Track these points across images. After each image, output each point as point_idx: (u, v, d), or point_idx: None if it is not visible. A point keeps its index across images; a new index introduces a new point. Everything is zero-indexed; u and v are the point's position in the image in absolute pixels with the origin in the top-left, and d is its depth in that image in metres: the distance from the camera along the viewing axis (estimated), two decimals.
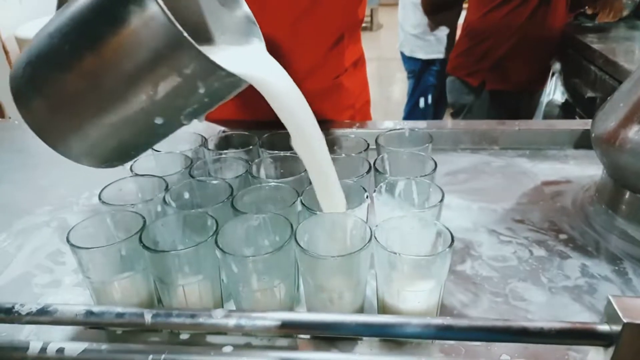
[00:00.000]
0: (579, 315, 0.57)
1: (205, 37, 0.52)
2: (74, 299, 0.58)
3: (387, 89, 4.17)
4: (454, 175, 0.88)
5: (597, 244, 0.69)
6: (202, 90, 0.42)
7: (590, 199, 0.79)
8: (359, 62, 1.11)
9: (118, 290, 0.51)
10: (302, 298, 0.54)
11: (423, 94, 2.42)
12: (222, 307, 0.53)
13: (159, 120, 0.44)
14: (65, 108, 0.44)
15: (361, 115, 1.14)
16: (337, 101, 1.08)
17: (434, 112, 2.51)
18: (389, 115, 3.44)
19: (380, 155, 0.64)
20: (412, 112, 2.51)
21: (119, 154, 0.49)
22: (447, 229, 0.49)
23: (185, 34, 0.38)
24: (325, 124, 1.02)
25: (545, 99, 1.85)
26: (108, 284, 0.50)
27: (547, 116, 1.84)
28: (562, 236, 0.71)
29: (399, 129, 0.71)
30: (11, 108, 1.75)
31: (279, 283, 0.48)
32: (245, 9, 0.51)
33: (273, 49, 0.98)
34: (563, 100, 1.80)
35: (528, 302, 0.60)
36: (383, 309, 0.50)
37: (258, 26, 0.52)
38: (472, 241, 0.71)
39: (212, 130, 0.97)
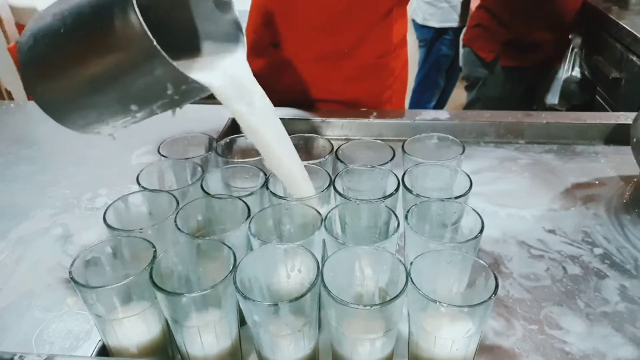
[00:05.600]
0: (622, 350, 0.53)
1: (193, 35, 0.55)
2: (78, 327, 0.54)
3: None
4: (479, 173, 0.83)
5: (635, 261, 0.65)
6: (170, 91, 0.46)
7: (626, 206, 0.74)
8: (403, 41, 1.08)
9: (127, 327, 0.46)
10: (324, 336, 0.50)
11: (435, 63, 2.33)
12: (240, 348, 0.49)
13: (134, 107, 0.48)
14: (54, 80, 0.48)
15: (397, 96, 1.12)
16: (379, 81, 1.05)
17: (446, 83, 2.43)
18: None
19: (409, 169, 0.59)
20: (423, 82, 2.43)
21: (99, 125, 0.52)
22: (490, 268, 0.44)
23: (157, 46, 0.42)
24: (334, 114, 0.96)
25: (563, 74, 1.77)
26: (116, 321, 0.46)
27: (564, 93, 1.76)
28: (597, 250, 0.67)
29: (426, 135, 0.66)
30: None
31: (303, 326, 0.44)
32: (235, 14, 0.54)
33: (320, 17, 0.95)
34: (581, 77, 1.72)
35: (565, 332, 0.56)
36: (416, 353, 0.46)
37: (244, 33, 0.54)
38: (501, 255, 0.67)
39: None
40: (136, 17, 0.41)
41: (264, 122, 0.52)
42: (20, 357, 0.39)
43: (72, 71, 0.47)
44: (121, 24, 0.42)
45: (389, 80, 1.06)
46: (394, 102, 1.11)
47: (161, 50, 0.43)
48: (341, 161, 0.61)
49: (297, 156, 0.55)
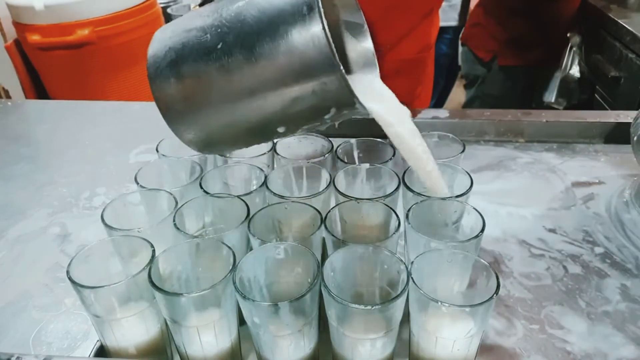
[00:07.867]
0: (623, 349, 0.53)
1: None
2: (76, 327, 0.53)
3: None
4: (479, 172, 0.83)
5: (636, 260, 0.65)
6: (330, 114, 0.44)
7: (626, 205, 0.74)
8: (434, 40, 1.13)
9: (126, 327, 0.46)
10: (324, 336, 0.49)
11: (435, 63, 2.32)
12: (240, 348, 0.49)
13: (280, 129, 0.46)
14: (198, 98, 0.45)
15: (426, 93, 1.16)
16: (414, 76, 1.09)
17: (445, 82, 2.43)
18: None
19: (409, 168, 0.58)
20: None
21: (228, 147, 0.52)
22: (491, 267, 0.44)
23: (340, 66, 0.39)
24: None
25: (561, 73, 1.76)
26: (114, 321, 0.45)
27: (563, 91, 1.76)
28: (598, 249, 0.67)
29: (426, 133, 0.65)
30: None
31: (303, 326, 0.43)
32: (370, 43, 0.53)
33: (367, 13, 0.96)
34: (580, 76, 1.72)
35: (566, 331, 0.55)
36: (417, 353, 0.46)
37: (376, 59, 0.53)
38: (502, 254, 0.66)
39: None
40: (323, 31, 0.39)
41: (415, 139, 0.52)
42: (18, 358, 0.39)
43: (228, 88, 0.44)
44: (303, 38, 0.40)
45: (422, 76, 1.11)
46: (422, 98, 1.14)
47: (343, 70, 0.39)
48: (341, 160, 0.60)
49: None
